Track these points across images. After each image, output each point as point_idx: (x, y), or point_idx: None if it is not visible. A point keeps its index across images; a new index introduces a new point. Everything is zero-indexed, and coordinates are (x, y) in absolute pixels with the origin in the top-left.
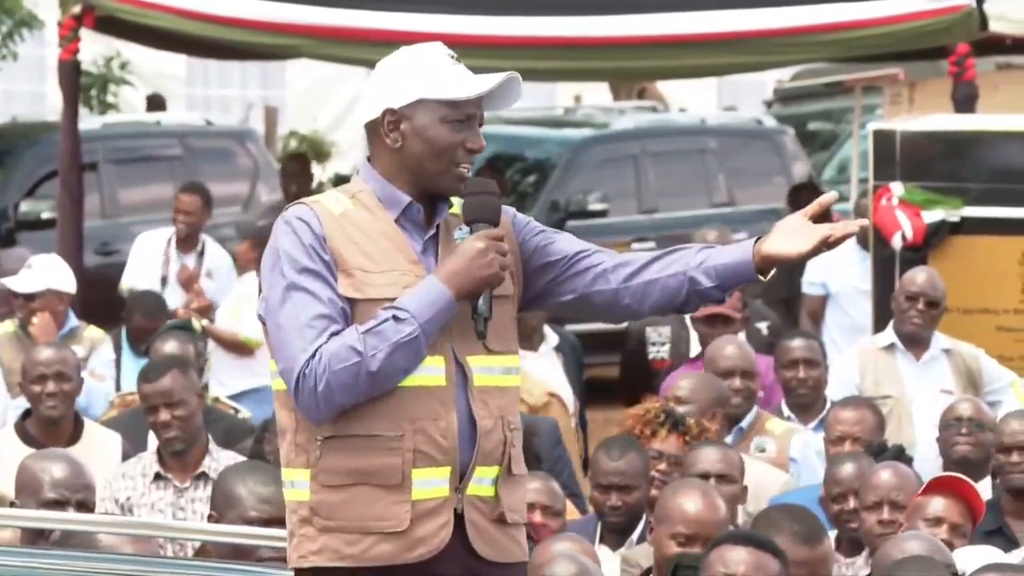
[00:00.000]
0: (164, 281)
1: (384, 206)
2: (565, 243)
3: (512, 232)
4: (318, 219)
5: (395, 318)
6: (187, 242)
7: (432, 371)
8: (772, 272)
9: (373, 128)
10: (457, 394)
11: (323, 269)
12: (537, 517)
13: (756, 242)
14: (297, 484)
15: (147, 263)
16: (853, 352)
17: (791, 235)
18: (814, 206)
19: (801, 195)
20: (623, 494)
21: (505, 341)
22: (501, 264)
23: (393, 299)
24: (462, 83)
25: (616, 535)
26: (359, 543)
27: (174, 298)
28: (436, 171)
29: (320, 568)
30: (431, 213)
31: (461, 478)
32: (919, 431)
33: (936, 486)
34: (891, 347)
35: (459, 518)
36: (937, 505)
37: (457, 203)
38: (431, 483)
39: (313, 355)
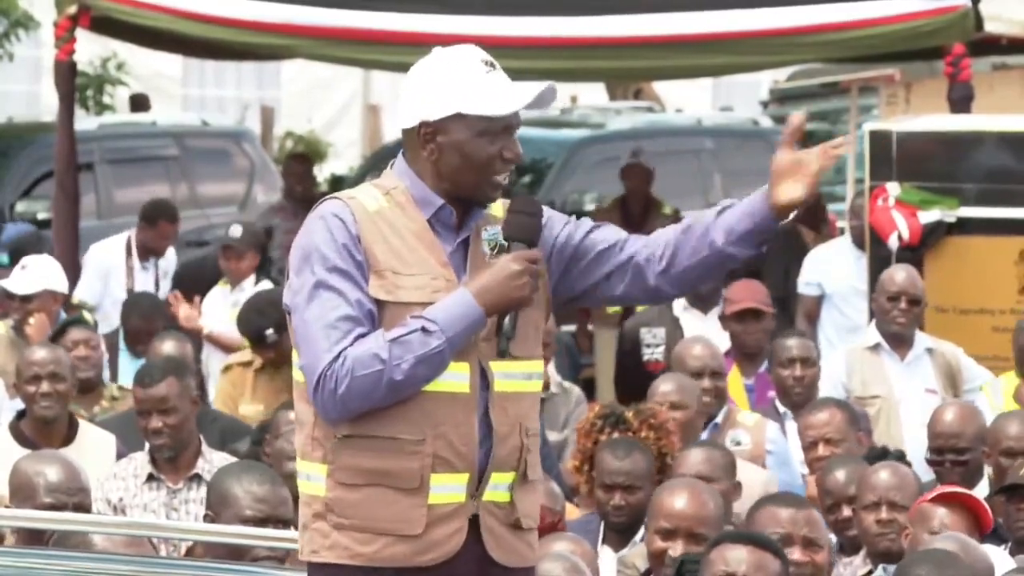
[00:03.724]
0: (131, 293)
1: (418, 205)
2: (592, 234)
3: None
4: (353, 216)
5: (423, 330)
6: (150, 254)
7: (457, 378)
8: (793, 212)
9: (409, 135)
10: (478, 401)
11: (354, 269)
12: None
13: (765, 194)
14: (313, 478)
15: (104, 274)
16: (840, 353)
17: (791, 177)
18: (788, 135)
19: None
20: (627, 494)
21: (527, 347)
22: (533, 286)
23: (422, 304)
24: (499, 97)
25: (619, 535)
26: (372, 543)
27: None
28: (473, 183)
29: (331, 564)
30: (463, 216)
31: (478, 484)
32: (906, 431)
33: (944, 498)
34: (876, 347)
35: (474, 523)
36: (944, 517)
37: (493, 206)
38: (449, 488)
39: (337, 357)
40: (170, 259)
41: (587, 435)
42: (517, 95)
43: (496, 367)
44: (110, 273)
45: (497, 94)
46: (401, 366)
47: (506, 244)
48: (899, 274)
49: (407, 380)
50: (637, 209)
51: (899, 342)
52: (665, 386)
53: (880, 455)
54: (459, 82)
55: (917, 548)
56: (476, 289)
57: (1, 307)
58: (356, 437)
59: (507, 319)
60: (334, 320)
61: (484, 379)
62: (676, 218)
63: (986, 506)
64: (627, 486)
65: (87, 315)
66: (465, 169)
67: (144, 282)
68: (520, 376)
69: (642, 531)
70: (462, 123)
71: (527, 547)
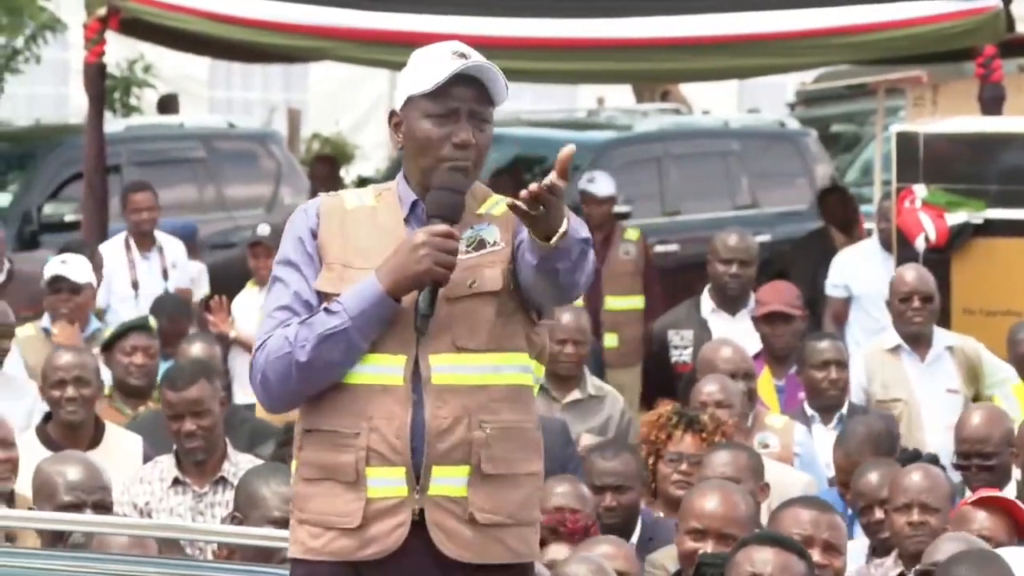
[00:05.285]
0: (136, 285)
1: (401, 204)
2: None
3: (514, 230)
4: (317, 212)
5: (327, 310)
6: (146, 240)
7: (391, 370)
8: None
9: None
10: (413, 394)
11: (303, 262)
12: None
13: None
14: (294, 473)
15: (108, 275)
16: (859, 356)
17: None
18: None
19: (829, 198)
20: (617, 494)
21: (486, 339)
22: (438, 261)
23: None
24: (430, 75)
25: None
26: (321, 537)
27: (147, 304)
28: (427, 167)
29: (296, 559)
30: None
31: (419, 479)
32: (929, 434)
33: (984, 502)
34: (896, 349)
35: (421, 518)
36: (984, 521)
37: (487, 203)
38: (385, 482)
39: (261, 346)
40: (175, 250)
41: (660, 428)
42: (445, 71)
43: (435, 360)
44: (112, 272)
45: (436, 74)
46: (305, 347)
47: (486, 240)
48: (909, 274)
49: (313, 361)
50: (597, 237)
51: (918, 342)
52: (710, 386)
53: (912, 457)
54: (416, 69)
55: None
56: (380, 268)
57: (31, 308)
58: (312, 431)
59: (421, 295)
60: (271, 310)
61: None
62: (644, 244)
63: None
64: (617, 486)
65: (151, 322)
66: (419, 153)
67: (147, 272)
68: (472, 369)
69: (637, 533)
70: (412, 106)
71: (497, 543)
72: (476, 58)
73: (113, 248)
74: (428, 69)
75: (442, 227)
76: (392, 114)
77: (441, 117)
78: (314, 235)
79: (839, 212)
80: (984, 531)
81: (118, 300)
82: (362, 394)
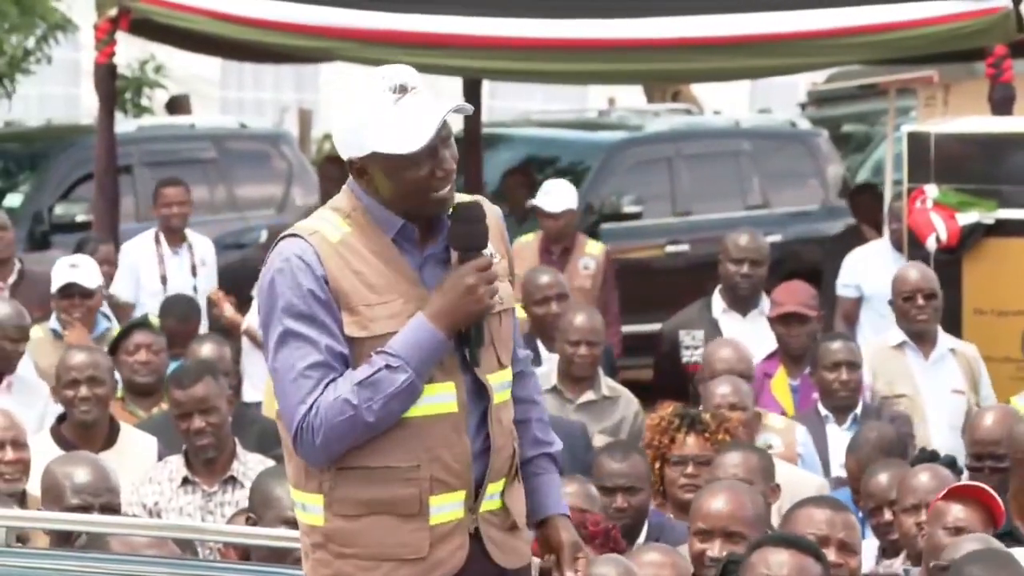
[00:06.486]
0: (164, 280)
1: (378, 225)
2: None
3: (504, 236)
4: (317, 256)
5: (388, 367)
6: (176, 236)
7: (444, 398)
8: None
9: (348, 164)
10: (468, 416)
11: (321, 313)
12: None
13: (538, 520)
14: (309, 508)
15: (137, 270)
16: (864, 353)
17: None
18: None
19: (861, 197)
20: (628, 495)
21: (510, 352)
22: (493, 294)
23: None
24: (409, 131)
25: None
26: (376, 569)
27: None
28: (415, 204)
29: None
30: (427, 229)
31: (475, 498)
32: (934, 433)
33: (956, 493)
34: (901, 345)
35: (475, 533)
36: (959, 513)
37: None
38: (447, 507)
39: (310, 408)
40: (205, 247)
41: (663, 432)
42: (426, 126)
43: (493, 379)
44: (140, 266)
45: (407, 128)
46: (372, 407)
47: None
48: (911, 272)
49: (381, 418)
50: (556, 249)
51: (923, 340)
52: (723, 388)
53: (929, 458)
54: (370, 119)
55: (935, 547)
56: (433, 312)
57: (42, 309)
58: (351, 469)
59: (474, 330)
60: (304, 369)
61: (481, 394)
62: (606, 258)
63: (999, 500)
64: (628, 487)
65: (153, 319)
66: (402, 195)
67: (177, 267)
68: (508, 384)
69: (644, 534)
70: (382, 159)
71: (525, 545)
72: (414, 82)
73: (143, 243)
74: (391, 121)
75: (484, 260)
76: (351, 161)
77: (419, 161)
78: (326, 280)
79: (872, 211)
80: (960, 523)
81: (147, 295)
82: (416, 426)
